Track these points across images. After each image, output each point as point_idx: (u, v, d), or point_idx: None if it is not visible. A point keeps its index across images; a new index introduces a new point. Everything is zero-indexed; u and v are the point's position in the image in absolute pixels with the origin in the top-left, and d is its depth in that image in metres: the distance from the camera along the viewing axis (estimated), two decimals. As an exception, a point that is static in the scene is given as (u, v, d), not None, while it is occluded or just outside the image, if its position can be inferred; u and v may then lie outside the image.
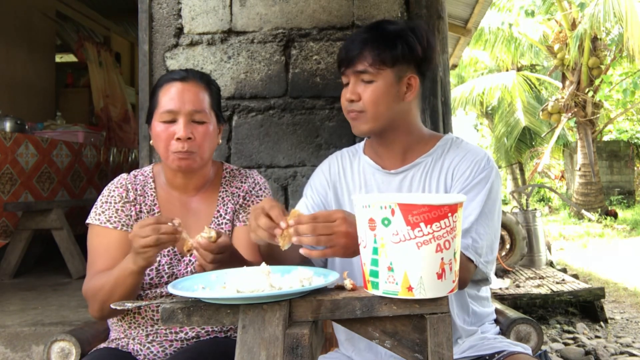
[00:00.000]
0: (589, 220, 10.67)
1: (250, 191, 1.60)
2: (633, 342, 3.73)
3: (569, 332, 3.96)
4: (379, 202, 0.95)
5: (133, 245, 1.26)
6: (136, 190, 1.53)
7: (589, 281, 5.40)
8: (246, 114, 2.44)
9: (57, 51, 6.64)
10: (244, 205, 1.58)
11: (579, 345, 3.61)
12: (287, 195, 2.41)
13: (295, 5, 2.45)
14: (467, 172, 1.38)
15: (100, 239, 1.48)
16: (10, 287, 3.52)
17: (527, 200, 5.88)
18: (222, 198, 1.58)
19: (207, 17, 2.45)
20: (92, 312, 1.45)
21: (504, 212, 4.85)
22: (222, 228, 1.54)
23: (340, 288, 1.05)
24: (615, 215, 10.97)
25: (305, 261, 1.46)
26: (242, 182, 1.61)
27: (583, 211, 10.73)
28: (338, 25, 2.45)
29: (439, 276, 0.95)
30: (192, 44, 2.45)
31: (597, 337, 3.87)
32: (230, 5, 2.46)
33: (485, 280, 1.41)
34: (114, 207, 1.49)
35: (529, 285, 4.30)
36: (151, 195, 1.53)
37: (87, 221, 1.51)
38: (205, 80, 1.52)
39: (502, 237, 4.72)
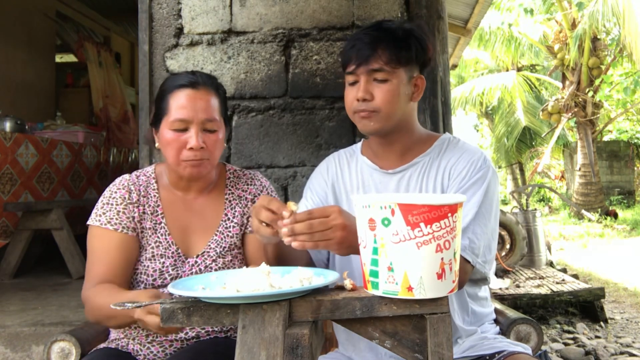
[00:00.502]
0: (589, 220, 10.67)
1: (259, 194, 1.60)
2: (633, 342, 3.73)
3: (569, 332, 3.96)
4: (379, 202, 0.95)
5: (146, 320, 1.19)
6: (139, 191, 1.51)
7: (589, 281, 5.40)
8: (246, 114, 2.44)
9: (57, 51, 6.64)
10: None
11: (579, 346, 3.61)
12: (287, 195, 2.41)
13: (295, 5, 2.45)
14: (464, 172, 1.38)
15: (100, 241, 1.46)
16: (10, 287, 3.52)
17: (527, 200, 5.88)
18: (229, 201, 1.57)
19: (207, 17, 2.45)
20: (87, 317, 1.45)
21: (504, 212, 4.85)
22: (230, 231, 1.54)
23: (340, 288, 1.05)
24: (615, 216, 10.97)
25: (313, 262, 1.46)
26: (248, 185, 1.61)
27: (583, 211, 10.72)
28: (338, 25, 2.45)
29: (439, 276, 0.95)
30: (192, 44, 2.45)
31: (597, 337, 3.87)
32: (230, 6, 2.46)
33: (484, 280, 1.41)
34: (116, 208, 1.48)
35: (529, 285, 4.31)
36: (154, 196, 1.52)
37: (88, 222, 1.50)
38: (214, 85, 1.50)
39: (502, 237, 4.72)
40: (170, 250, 1.48)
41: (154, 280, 1.46)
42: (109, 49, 6.73)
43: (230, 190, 1.59)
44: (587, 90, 11.22)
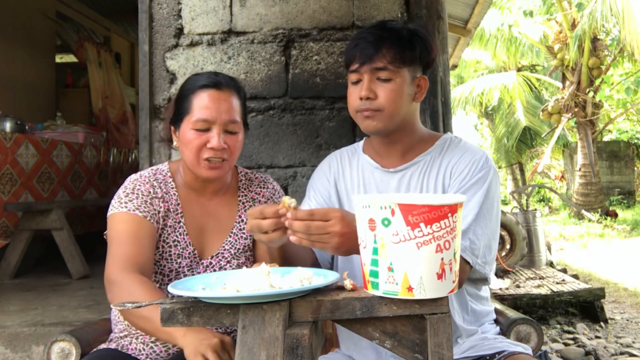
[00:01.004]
0: (589, 220, 10.67)
1: (272, 197, 1.62)
2: (633, 342, 3.73)
3: (569, 332, 3.96)
4: (379, 202, 0.95)
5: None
6: (161, 188, 1.50)
7: (589, 281, 5.40)
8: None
9: (57, 51, 6.64)
10: None
11: (579, 346, 3.61)
12: (287, 195, 2.41)
13: (295, 6, 2.45)
14: (465, 172, 1.38)
15: (129, 225, 1.40)
16: (10, 287, 3.51)
17: (527, 200, 5.88)
18: (243, 203, 1.58)
19: (207, 18, 2.45)
20: (110, 300, 1.38)
21: (504, 213, 4.85)
22: (243, 233, 1.55)
23: (340, 288, 1.05)
24: (615, 216, 10.97)
25: (309, 262, 1.46)
26: (261, 188, 1.62)
27: (583, 211, 10.72)
28: (338, 25, 2.45)
29: (439, 276, 0.95)
30: (192, 44, 2.45)
31: (597, 337, 3.87)
32: (230, 6, 2.46)
33: (484, 280, 1.41)
34: (142, 198, 1.45)
35: (529, 286, 4.31)
36: (174, 194, 1.52)
37: (110, 212, 1.45)
38: (236, 87, 1.50)
39: (502, 237, 4.72)
40: (187, 250, 1.48)
41: (170, 280, 1.46)
42: (109, 49, 6.73)
43: (243, 192, 1.59)
44: (588, 90, 11.21)
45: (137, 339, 1.47)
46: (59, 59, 7.08)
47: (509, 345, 1.39)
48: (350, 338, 1.46)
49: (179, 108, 1.48)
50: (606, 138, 15.51)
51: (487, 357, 1.34)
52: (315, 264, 1.45)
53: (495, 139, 15.47)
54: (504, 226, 4.69)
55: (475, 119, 20.70)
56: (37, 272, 4.04)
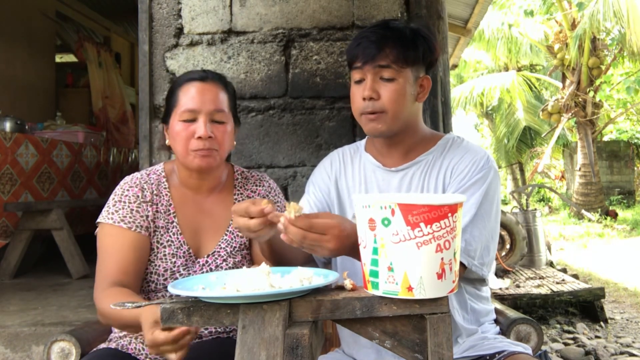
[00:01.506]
0: (589, 220, 10.67)
1: (267, 195, 1.61)
2: (633, 342, 3.73)
3: (569, 332, 3.96)
4: (379, 202, 0.95)
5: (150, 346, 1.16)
6: (152, 189, 1.51)
7: (589, 281, 5.40)
8: (246, 114, 2.44)
9: (57, 51, 6.64)
10: None
11: (579, 346, 3.61)
12: (287, 195, 2.41)
13: (295, 5, 2.45)
14: (465, 171, 1.38)
15: (113, 239, 1.44)
16: (10, 287, 3.51)
17: (527, 200, 5.88)
18: (238, 201, 1.57)
19: (207, 17, 2.45)
20: (100, 319, 1.43)
21: (504, 212, 4.85)
22: (239, 231, 1.55)
23: (340, 288, 1.05)
24: (615, 216, 10.97)
25: (310, 261, 1.46)
26: (257, 186, 1.62)
27: (583, 211, 10.72)
28: (338, 25, 2.45)
29: (439, 276, 0.95)
30: (192, 44, 2.45)
31: (597, 337, 3.87)
32: (230, 6, 2.46)
33: (481, 281, 1.40)
34: (129, 207, 1.46)
35: (529, 285, 4.31)
36: (166, 195, 1.52)
37: (99, 220, 1.48)
38: (223, 81, 1.53)
39: (502, 237, 4.72)
40: (182, 249, 1.48)
41: (165, 280, 1.46)
42: (109, 49, 6.73)
43: (239, 191, 1.59)
44: (588, 90, 11.21)
45: (136, 339, 1.47)
46: (59, 59, 7.08)
47: (509, 345, 1.39)
48: (351, 337, 1.47)
49: (168, 104, 1.52)
50: (606, 138, 15.51)
51: (487, 357, 1.34)
52: (307, 259, 1.44)
53: (495, 138, 15.47)
54: (504, 226, 4.69)
55: (475, 119, 20.70)
56: (37, 272, 4.03)
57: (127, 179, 1.54)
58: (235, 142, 1.58)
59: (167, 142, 1.52)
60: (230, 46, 2.45)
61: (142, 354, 1.45)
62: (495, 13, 11.78)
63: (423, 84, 1.42)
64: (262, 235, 1.16)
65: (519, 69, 14.18)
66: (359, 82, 1.39)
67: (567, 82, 11.52)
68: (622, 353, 3.50)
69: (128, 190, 1.50)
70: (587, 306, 4.24)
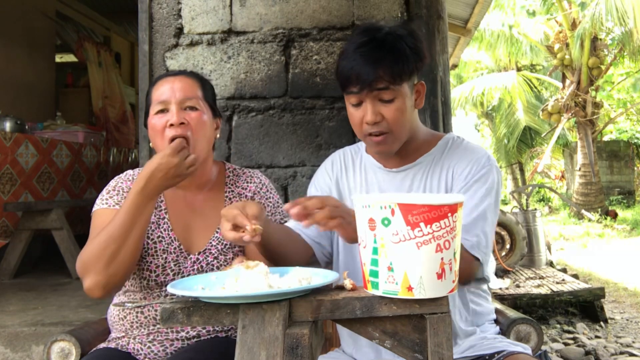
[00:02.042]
0: (589, 220, 10.68)
1: (259, 192, 1.60)
2: (633, 342, 3.73)
3: (569, 332, 3.96)
4: (379, 202, 0.95)
5: (172, 171, 1.35)
6: None
7: (589, 281, 5.40)
8: (246, 114, 2.44)
9: (57, 51, 6.64)
10: None
11: (579, 345, 3.61)
12: (287, 195, 2.41)
13: (295, 5, 2.45)
14: (467, 170, 1.38)
15: (106, 218, 1.42)
16: (10, 287, 3.52)
17: (527, 200, 5.88)
18: (229, 199, 1.58)
19: (207, 17, 2.45)
20: (91, 284, 1.36)
21: (504, 212, 4.85)
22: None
23: (340, 288, 1.05)
24: (615, 216, 10.97)
25: (313, 262, 1.46)
26: (247, 182, 1.61)
27: (583, 211, 10.73)
28: (338, 25, 2.45)
29: (439, 276, 0.95)
30: (192, 44, 2.45)
31: (597, 337, 3.87)
32: (230, 5, 2.46)
33: (483, 279, 1.41)
34: (123, 195, 1.48)
35: (529, 285, 4.31)
36: None
37: (94, 209, 1.49)
38: (197, 76, 1.56)
39: (502, 237, 4.72)
40: (172, 245, 1.48)
41: (157, 276, 1.46)
42: (109, 49, 6.73)
43: (230, 188, 1.59)
44: (589, 89, 11.21)
45: (134, 339, 1.47)
46: (59, 58, 7.08)
47: (509, 345, 1.39)
48: (351, 337, 1.47)
49: (146, 107, 1.55)
50: (606, 138, 15.51)
51: (487, 357, 1.34)
52: (303, 255, 1.44)
53: (495, 138, 15.48)
54: (503, 226, 4.69)
55: (475, 119, 20.71)
56: (37, 272, 4.03)
57: (121, 174, 1.57)
58: (218, 135, 1.57)
59: (150, 144, 1.53)
60: (230, 46, 2.45)
61: (141, 354, 1.45)
62: (496, 13, 11.78)
63: (419, 90, 1.41)
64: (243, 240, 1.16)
65: (519, 69, 14.18)
66: (357, 105, 1.36)
67: (567, 82, 11.52)
68: (622, 353, 3.50)
69: (122, 182, 1.52)
70: (587, 306, 4.24)
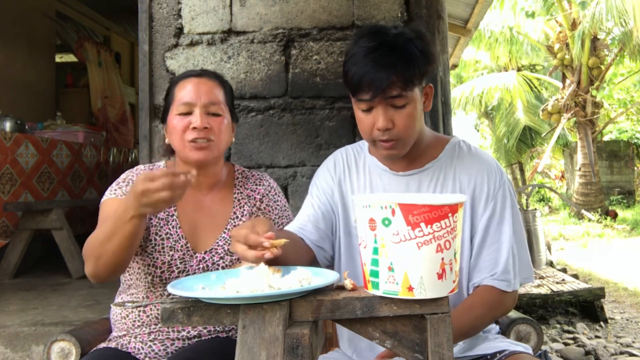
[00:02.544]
0: (589, 220, 10.68)
1: (267, 194, 1.62)
2: (633, 342, 3.73)
3: (569, 332, 3.96)
4: (380, 202, 0.95)
5: (141, 199, 1.22)
6: None
7: (589, 281, 5.40)
8: (246, 114, 2.44)
9: (57, 51, 6.64)
10: (261, 209, 1.59)
11: (579, 345, 3.61)
12: (287, 195, 2.41)
13: (295, 5, 2.45)
14: (486, 187, 1.39)
15: (115, 207, 1.41)
16: (10, 287, 3.52)
17: (527, 200, 5.88)
18: (238, 200, 1.59)
19: (207, 17, 2.45)
20: (86, 270, 1.38)
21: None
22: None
23: (341, 288, 1.05)
24: (615, 216, 10.97)
25: (313, 263, 1.46)
26: (257, 185, 1.63)
27: (583, 211, 10.73)
28: (338, 25, 2.45)
29: (440, 276, 0.94)
30: (192, 44, 2.45)
31: (597, 337, 3.87)
32: (230, 5, 2.46)
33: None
34: None
35: (529, 285, 4.30)
36: None
37: (102, 200, 1.49)
38: (219, 78, 1.57)
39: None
40: (179, 243, 1.49)
41: (162, 272, 1.46)
42: (109, 49, 6.73)
43: (239, 189, 1.60)
44: (589, 89, 11.21)
45: (135, 337, 1.47)
46: (59, 58, 7.08)
47: (509, 344, 1.39)
48: (350, 340, 1.47)
49: (166, 103, 1.55)
50: (606, 138, 15.52)
51: (488, 357, 1.34)
52: (307, 263, 1.44)
53: (495, 138, 15.47)
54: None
55: (475, 119, 20.71)
56: (37, 272, 4.03)
57: (132, 169, 1.58)
58: (234, 139, 1.60)
59: (166, 141, 1.54)
60: (230, 46, 2.45)
61: (141, 353, 1.45)
62: (496, 13, 11.78)
63: (427, 93, 1.40)
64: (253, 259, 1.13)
65: (519, 69, 14.18)
66: (367, 110, 1.34)
67: (567, 82, 11.52)
68: (622, 353, 3.50)
69: (132, 175, 1.54)
70: (587, 306, 4.24)
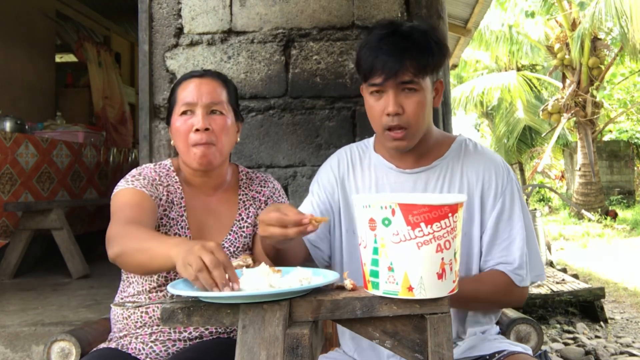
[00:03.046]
0: (589, 220, 10.67)
1: (272, 196, 1.63)
2: (633, 342, 3.73)
3: (569, 332, 3.96)
4: (380, 202, 0.95)
5: (197, 261, 1.01)
6: (164, 180, 1.53)
7: (589, 281, 5.40)
8: (246, 114, 2.44)
9: (57, 51, 6.64)
10: None
11: (579, 345, 3.61)
12: (287, 195, 2.41)
13: (295, 5, 2.45)
14: (494, 185, 1.40)
15: (133, 196, 1.41)
16: (10, 287, 3.52)
17: (527, 200, 5.87)
18: (243, 201, 1.59)
19: (207, 17, 2.45)
20: (109, 254, 1.31)
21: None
22: (243, 231, 1.56)
23: (341, 288, 1.05)
24: (615, 216, 10.97)
25: (308, 261, 1.46)
26: (262, 187, 1.63)
27: (583, 211, 10.72)
28: (338, 25, 2.44)
29: (439, 276, 0.95)
30: (192, 44, 2.45)
31: (597, 337, 3.87)
32: (230, 5, 2.46)
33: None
34: (149, 181, 1.49)
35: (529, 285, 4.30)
36: (178, 188, 1.54)
37: (115, 191, 1.46)
38: (222, 78, 1.57)
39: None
40: None
41: (168, 272, 1.46)
42: (109, 49, 6.73)
43: (244, 191, 1.61)
44: (589, 89, 11.20)
45: (136, 338, 1.47)
46: (59, 58, 7.08)
47: (509, 345, 1.39)
48: (351, 337, 1.47)
49: (170, 104, 1.55)
50: (606, 138, 15.50)
51: (487, 357, 1.34)
52: (307, 260, 1.44)
53: (495, 138, 15.47)
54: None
55: (475, 118, 20.71)
56: (37, 272, 4.03)
57: (142, 166, 1.57)
58: (239, 139, 1.59)
59: (171, 142, 1.55)
60: (230, 46, 2.45)
61: (142, 354, 1.45)
62: (496, 13, 11.78)
63: (437, 88, 1.41)
64: (288, 242, 1.16)
65: (519, 69, 14.18)
66: (378, 94, 1.34)
67: (567, 82, 11.52)
68: (622, 353, 3.50)
69: (146, 170, 1.53)
70: (587, 306, 4.24)
